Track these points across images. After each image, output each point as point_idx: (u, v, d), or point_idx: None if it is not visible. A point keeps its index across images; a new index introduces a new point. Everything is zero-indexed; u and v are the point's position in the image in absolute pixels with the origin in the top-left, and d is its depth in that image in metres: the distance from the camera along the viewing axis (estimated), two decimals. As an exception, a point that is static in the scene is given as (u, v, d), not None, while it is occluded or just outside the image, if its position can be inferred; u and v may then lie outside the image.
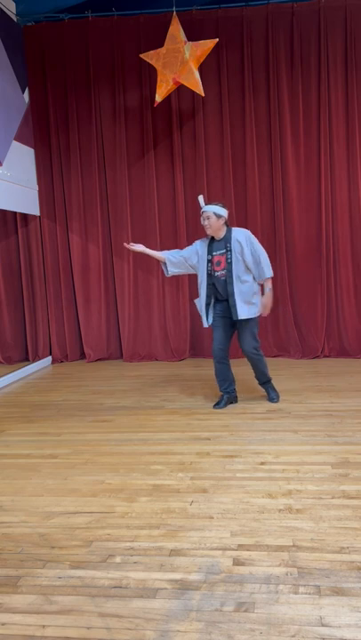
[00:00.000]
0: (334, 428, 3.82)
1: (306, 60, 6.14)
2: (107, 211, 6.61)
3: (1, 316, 6.49)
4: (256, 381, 4.65)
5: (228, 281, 4.18)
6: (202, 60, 5.82)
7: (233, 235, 4.19)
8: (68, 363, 6.74)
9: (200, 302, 4.35)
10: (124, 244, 4.45)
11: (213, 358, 4.44)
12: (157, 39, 5.96)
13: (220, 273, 4.22)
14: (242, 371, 5.11)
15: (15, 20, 6.27)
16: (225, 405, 4.46)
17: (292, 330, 6.38)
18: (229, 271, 4.17)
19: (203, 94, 5.92)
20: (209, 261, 4.24)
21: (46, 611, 1.99)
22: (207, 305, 4.32)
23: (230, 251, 4.16)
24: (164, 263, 4.37)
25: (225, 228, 4.23)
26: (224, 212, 4.19)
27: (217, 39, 5.77)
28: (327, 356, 6.30)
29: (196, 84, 5.80)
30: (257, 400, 4.62)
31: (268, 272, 4.18)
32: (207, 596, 2.02)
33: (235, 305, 4.17)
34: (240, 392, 4.88)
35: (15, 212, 6.34)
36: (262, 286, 4.29)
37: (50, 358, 6.78)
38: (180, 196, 6.42)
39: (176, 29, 5.75)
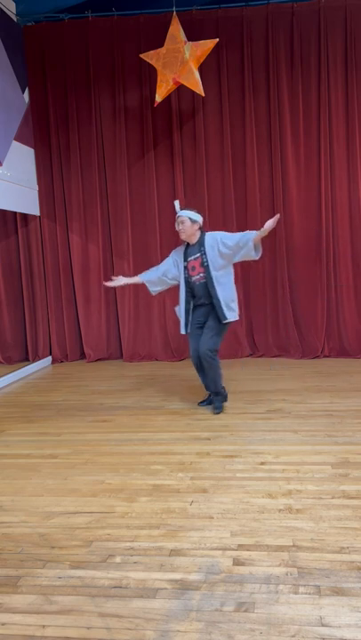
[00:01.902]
0: (334, 427, 3.82)
1: (306, 60, 6.14)
2: (107, 211, 6.61)
3: (1, 316, 6.49)
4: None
5: (208, 284, 4.14)
6: (202, 60, 5.82)
7: (206, 238, 4.17)
8: (68, 363, 6.74)
9: (180, 309, 4.33)
10: (104, 282, 4.49)
11: (194, 365, 4.40)
12: (157, 39, 5.96)
13: (195, 278, 4.18)
14: (242, 371, 5.10)
15: (15, 19, 6.27)
16: (209, 403, 4.47)
17: (292, 330, 6.38)
18: (208, 274, 4.13)
19: (203, 94, 5.92)
20: (185, 268, 4.23)
21: (46, 611, 1.99)
22: (186, 312, 4.30)
23: (205, 254, 4.13)
24: (146, 283, 4.40)
25: (199, 233, 4.21)
26: (199, 218, 4.20)
27: (217, 39, 5.77)
28: (327, 356, 6.30)
29: (196, 83, 5.80)
30: (257, 400, 4.62)
31: (251, 234, 4.04)
32: (207, 596, 2.02)
33: (220, 307, 4.13)
34: (240, 392, 4.89)
35: (15, 212, 6.34)
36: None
37: (50, 358, 6.78)
38: (180, 196, 6.41)
39: (176, 29, 5.75)
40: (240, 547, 2.34)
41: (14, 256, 6.60)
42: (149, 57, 5.91)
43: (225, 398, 4.46)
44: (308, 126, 6.21)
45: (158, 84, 5.89)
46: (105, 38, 6.33)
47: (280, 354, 6.45)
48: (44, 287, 6.71)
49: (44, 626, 1.91)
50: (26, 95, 6.47)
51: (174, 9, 5.77)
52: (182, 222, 4.15)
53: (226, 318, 4.14)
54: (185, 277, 4.25)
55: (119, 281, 4.36)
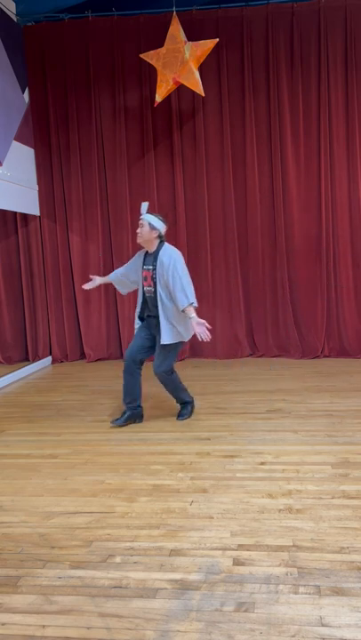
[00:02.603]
0: (334, 427, 3.82)
1: (306, 60, 6.14)
2: (107, 211, 6.61)
3: (1, 316, 6.49)
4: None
5: (155, 299, 3.96)
6: (202, 60, 5.82)
7: (161, 253, 3.93)
8: (68, 363, 6.74)
9: (137, 317, 4.19)
10: (82, 286, 4.32)
11: (123, 366, 4.13)
12: (157, 39, 5.96)
13: (147, 289, 4.02)
14: (242, 371, 5.10)
15: (15, 19, 6.27)
16: (124, 422, 4.09)
17: (292, 330, 6.38)
18: (155, 289, 3.95)
19: (203, 94, 5.92)
20: (141, 274, 4.07)
21: (46, 611, 1.99)
22: (140, 318, 4.15)
23: (155, 269, 3.93)
24: (114, 283, 4.29)
25: (157, 243, 3.99)
26: (160, 226, 3.97)
27: (217, 39, 5.77)
28: (327, 356, 6.30)
29: (196, 83, 5.80)
30: (257, 400, 4.62)
31: (185, 300, 3.80)
32: (207, 596, 2.02)
33: (159, 326, 3.93)
34: (240, 392, 4.89)
35: (15, 212, 6.33)
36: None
37: (50, 358, 6.78)
38: (180, 195, 6.42)
39: (176, 29, 5.75)
40: (240, 547, 2.34)
41: (14, 256, 6.60)
42: (149, 57, 5.91)
43: (192, 405, 4.31)
44: (308, 126, 6.21)
45: (158, 84, 5.89)
46: (105, 38, 6.33)
47: (280, 354, 6.45)
48: (44, 287, 6.71)
49: (44, 626, 1.91)
50: (26, 95, 6.47)
51: (174, 9, 5.77)
52: (141, 225, 3.95)
53: (163, 340, 3.91)
54: (141, 283, 4.09)
55: (94, 282, 4.22)
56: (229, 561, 2.24)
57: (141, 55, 5.98)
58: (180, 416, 4.23)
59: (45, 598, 2.06)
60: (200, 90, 5.84)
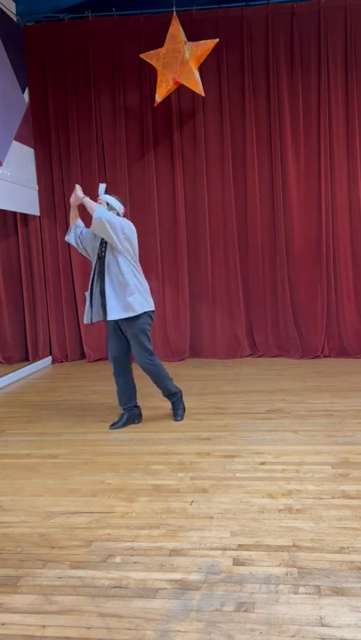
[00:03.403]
0: (334, 427, 3.82)
1: (306, 60, 6.14)
2: (107, 211, 6.60)
3: (1, 316, 6.49)
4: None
5: (103, 272, 3.87)
6: (202, 60, 5.83)
7: None
8: (68, 363, 6.74)
9: (88, 296, 4.01)
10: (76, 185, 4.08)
11: (112, 370, 4.09)
12: (157, 39, 5.97)
13: (99, 266, 3.94)
14: (242, 371, 5.10)
15: (15, 19, 6.27)
16: (123, 425, 4.05)
17: (292, 330, 6.38)
18: (102, 265, 3.88)
19: (203, 94, 5.92)
20: (99, 248, 3.97)
21: (46, 611, 1.99)
22: (91, 299, 3.98)
23: (106, 243, 3.87)
24: (70, 228, 4.09)
25: None
26: (118, 206, 3.99)
27: (217, 39, 5.78)
28: (327, 356, 6.30)
29: (196, 83, 5.80)
30: (257, 400, 4.62)
31: (98, 210, 3.77)
32: (207, 596, 2.02)
33: (106, 304, 3.82)
34: (240, 392, 4.89)
35: (15, 212, 6.33)
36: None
37: (50, 358, 6.78)
38: (180, 195, 6.42)
39: (176, 29, 5.75)
40: (240, 547, 2.34)
41: (14, 256, 6.60)
42: (149, 57, 5.92)
43: (180, 395, 4.21)
44: (308, 126, 6.21)
45: (158, 83, 5.89)
46: (105, 38, 6.33)
47: (280, 354, 6.45)
48: (44, 287, 6.71)
49: (44, 626, 1.91)
50: (26, 95, 6.47)
51: (174, 9, 5.77)
52: (100, 204, 3.95)
53: (109, 316, 3.80)
54: (95, 262, 3.96)
55: (76, 190, 4.00)
56: (229, 561, 2.24)
57: (141, 55, 5.99)
58: (175, 416, 4.17)
59: (45, 598, 2.06)
60: (200, 90, 5.84)
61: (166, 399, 4.27)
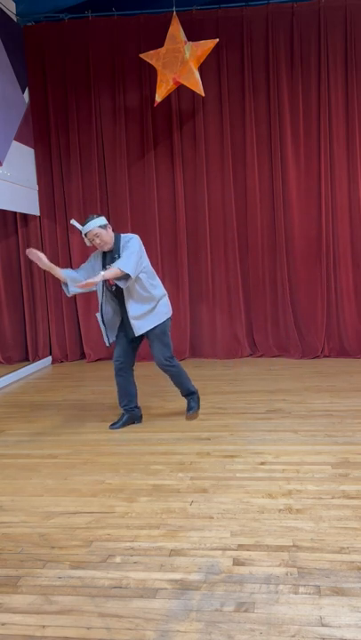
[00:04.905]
0: (334, 427, 3.82)
1: (306, 60, 6.14)
2: (107, 210, 6.61)
3: (1, 316, 6.49)
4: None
5: (120, 291, 3.79)
6: (202, 60, 5.82)
7: (120, 243, 3.76)
8: (68, 363, 6.74)
9: (100, 318, 3.94)
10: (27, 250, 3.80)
11: (114, 371, 4.05)
12: (157, 39, 5.96)
13: (112, 287, 3.83)
14: (242, 371, 5.10)
15: (15, 19, 6.27)
16: (123, 425, 4.04)
17: (292, 330, 6.38)
18: (112, 287, 3.81)
19: (203, 94, 5.92)
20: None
21: (46, 611, 1.99)
22: (105, 322, 3.92)
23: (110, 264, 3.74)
24: (65, 283, 3.84)
25: (113, 236, 3.78)
26: (103, 220, 3.72)
27: (217, 39, 5.77)
28: (327, 356, 6.30)
29: (196, 83, 5.80)
30: (257, 400, 4.62)
31: (121, 264, 3.59)
32: (207, 596, 2.02)
33: (129, 322, 3.80)
34: (240, 392, 4.89)
35: (15, 212, 6.33)
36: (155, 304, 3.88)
37: (50, 358, 6.78)
38: (180, 195, 6.42)
39: (176, 29, 5.75)
40: (240, 547, 2.34)
41: (14, 256, 6.60)
42: (149, 57, 5.91)
43: (198, 396, 4.25)
44: (308, 126, 6.21)
45: (158, 83, 5.89)
46: (105, 38, 6.33)
47: (280, 354, 6.45)
48: (43, 287, 6.71)
49: (44, 626, 1.91)
50: (26, 95, 6.47)
51: (174, 9, 5.77)
52: (97, 235, 3.68)
53: (136, 333, 3.80)
54: (105, 285, 3.84)
55: (39, 257, 3.68)
56: (229, 561, 2.24)
57: (141, 55, 5.98)
58: (189, 410, 4.20)
59: (45, 598, 2.06)
60: (200, 90, 5.84)
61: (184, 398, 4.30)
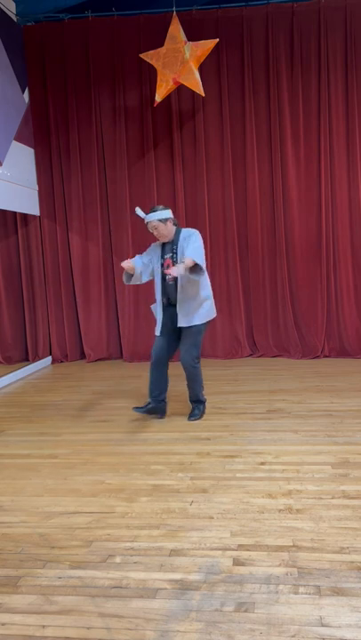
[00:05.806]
0: (334, 427, 3.82)
1: (306, 60, 6.14)
2: (107, 211, 6.61)
3: (1, 316, 6.49)
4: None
5: (175, 284, 3.98)
6: (202, 60, 5.82)
7: (180, 236, 4.00)
8: (68, 363, 6.74)
9: (156, 308, 4.13)
10: (122, 263, 4.01)
11: (151, 359, 4.18)
12: (157, 39, 5.96)
13: (169, 277, 3.99)
14: (242, 371, 5.10)
15: (15, 20, 6.27)
16: (146, 412, 4.15)
17: (292, 330, 6.38)
18: (165, 279, 4.00)
19: (203, 94, 5.92)
20: (162, 265, 4.05)
21: (46, 611, 1.99)
22: (163, 311, 4.10)
23: (176, 253, 3.97)
24: (132, 275, 4.07)
25: (174, 229, 4.03)
26: (167, 214, 3.95)
27: (217, 39, 5.77)
28: (327, 356, 6.30)
29: (196, 84, 5.80)
30: (257, 400, 4.62)
31: (194, 255, 3.79)
32: (207, 596, 2.02)
33: (178, 312, 3.97)
34: (240, 392, 4.88)
35: (15, 212, 6.33)
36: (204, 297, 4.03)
37: (50, 358, 6.78)
38: (180, 195, 6.42)
39: (176, 29, 5.75)
40: (240, 547, 2.34)
41: (14, 256, 6.60)
42: (149, 57, 5.91)
43: (205, 406, 4.30)
44: (308, 126, 6.21)
45: (158, 83, 5.89)
46: (105, 38, 6.33)
47: (280, 354, 6.45)
48: (43, 287, 6.71)
49: (43, 626, 1.91)
50: (26, 95, 6.47)
51: (174, 9, 5.77)
52: (155, 227, 3.94)
53: (179, 324, 3.96)
54: (161, 274, 4.04)
55: (131, 267, 3.99)
56: (229, 561, 2.24)
57: (141, 55, 5.98)
58: (191, 416, 4.20)
59: (45, 598, 2.06)
60: (200, 90, 5.84)
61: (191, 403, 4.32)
